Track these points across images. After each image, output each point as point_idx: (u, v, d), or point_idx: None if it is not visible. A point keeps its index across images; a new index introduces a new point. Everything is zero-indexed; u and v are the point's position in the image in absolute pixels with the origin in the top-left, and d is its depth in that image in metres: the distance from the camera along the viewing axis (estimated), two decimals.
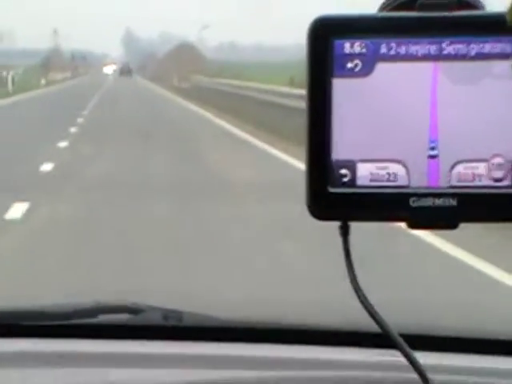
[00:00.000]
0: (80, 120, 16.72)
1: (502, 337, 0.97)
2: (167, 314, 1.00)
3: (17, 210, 6.02)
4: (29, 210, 6.04)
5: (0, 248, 4.99)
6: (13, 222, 5.74)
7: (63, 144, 11.61)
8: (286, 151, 9.70)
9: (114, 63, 57.14)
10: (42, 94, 28.92)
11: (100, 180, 7.95)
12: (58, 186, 7.56)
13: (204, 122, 17.16)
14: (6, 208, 6.02)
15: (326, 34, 0.61)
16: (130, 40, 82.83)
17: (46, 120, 16.69)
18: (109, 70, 48.52)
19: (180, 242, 4.89)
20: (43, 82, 34.46)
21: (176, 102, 24.86)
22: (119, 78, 44.50)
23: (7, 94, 28.46)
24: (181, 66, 36.80)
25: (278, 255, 4.54)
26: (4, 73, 31.58)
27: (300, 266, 4.17)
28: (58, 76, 39.26)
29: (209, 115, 18.48)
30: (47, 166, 8.75)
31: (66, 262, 4.48)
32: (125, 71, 47.30)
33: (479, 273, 3.98)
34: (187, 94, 27.51)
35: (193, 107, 21.60)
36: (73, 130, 14.10)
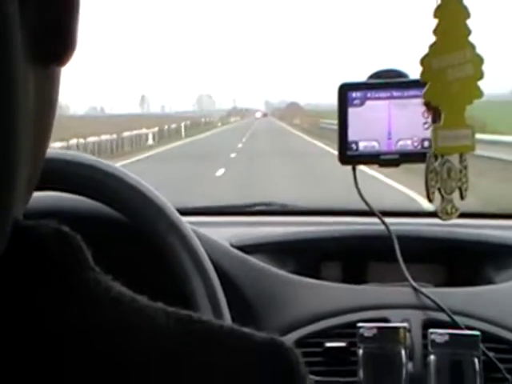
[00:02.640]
0: (251, 127, 39.97)
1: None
2: (279, 205, 1.66)
3: (243, 139, 22.24)
4: (246, 139, 22.14)
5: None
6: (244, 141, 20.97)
7: (249, 132, 30.63)
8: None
9: (260, 111, 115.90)
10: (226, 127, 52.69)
11: (256, 144, 23.63)
12: (242, 153, 18.91)
13: (286, 129, 36.09)
14: (242, 137, 22.84)
15: (345, 89, 1.26)
16: (267, 102, 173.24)
17: (237, 131, 36.43)
18: (258, 115, 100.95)
19: None
20: (232, 119, 71.49)
21: (283, 126, 47.14)
22: (262, 118, 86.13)
23: (215, 127, 55.49)
24: (291, 113, 71.52)
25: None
26: (212, 119, 66.52)
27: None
28: (233, 119, 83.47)
29: (293, 130, 36.84)
30: (240, 145, 22.05)
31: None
32: (264, 115, 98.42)
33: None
34: (291, 124, 50.25)
35: (289, 127, 42.77)
36: (247, 133, 33.27)
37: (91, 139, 21.23)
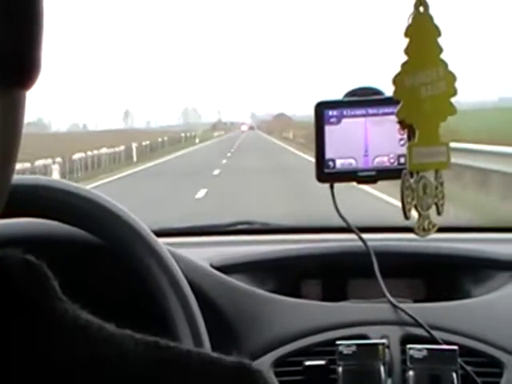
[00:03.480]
0: (236, 142, 38.66)
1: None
2: (260, 223, 1.63)
3: (216, 172, 16.08)
4: (220, 172, 16.19)
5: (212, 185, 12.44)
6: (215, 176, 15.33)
7: (230, 153, 26.59)
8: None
9: (246, 124, 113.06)
10: (207, 144, 47.45)
11: (244, 156, 24.15)
12: (228, 167, 18.61)
13: (279, 146, 33.57)
14: (212, 171, 16.29)
15: (321, 107, 1.28)
16: (253, 115, 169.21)
17: (216, 149, 32.25)
18: (244, 128, 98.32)
19: None
20: (216, 134, 64.25)
21: (275, 142, 43.10)
22: (248, 132, 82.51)
23: (194, 144, 49.01)
24: (280, 125, 66.94)
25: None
26: (193, 133, 60.73)
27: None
28: (216, 134, 74.45)
29: (287, 146, 32.61)
30: (224, 161, 20.32)
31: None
32: (250, 128, 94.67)
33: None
34: (282, 138, 47.84)
35: (281, 142, 38.56)
36: (227, 155, 25.82)
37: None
